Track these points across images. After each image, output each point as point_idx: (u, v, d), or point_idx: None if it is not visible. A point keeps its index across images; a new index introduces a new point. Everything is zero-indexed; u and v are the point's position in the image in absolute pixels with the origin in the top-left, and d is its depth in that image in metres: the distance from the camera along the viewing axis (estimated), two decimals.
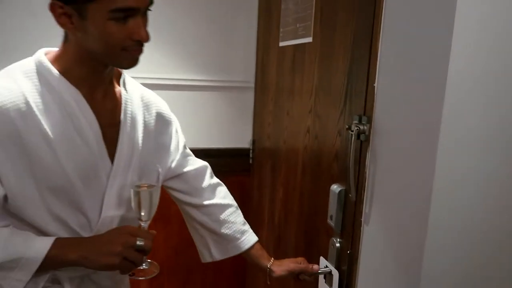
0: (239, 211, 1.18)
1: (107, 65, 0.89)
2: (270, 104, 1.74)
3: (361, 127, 1.00)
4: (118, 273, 1.06)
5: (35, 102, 0.82)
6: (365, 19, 1.03)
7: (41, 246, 0.83)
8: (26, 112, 0.81)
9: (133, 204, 0.93)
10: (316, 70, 1.32)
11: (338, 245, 1.11)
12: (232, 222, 1.14)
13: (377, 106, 0.98)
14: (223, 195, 1.18)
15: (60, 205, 0.88)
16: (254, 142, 1.96)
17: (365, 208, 1.02)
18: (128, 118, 0.94)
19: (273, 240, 1.69)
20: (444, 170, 0.79)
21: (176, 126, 1.11)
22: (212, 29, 1.88)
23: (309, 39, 1.36)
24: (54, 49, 0.89)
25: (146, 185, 0.94)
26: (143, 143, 0.98)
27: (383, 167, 0.96)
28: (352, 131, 1.00)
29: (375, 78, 0.98)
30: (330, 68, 1.23)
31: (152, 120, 1.02)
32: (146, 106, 1.01)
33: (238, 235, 1.14)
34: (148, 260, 0.95)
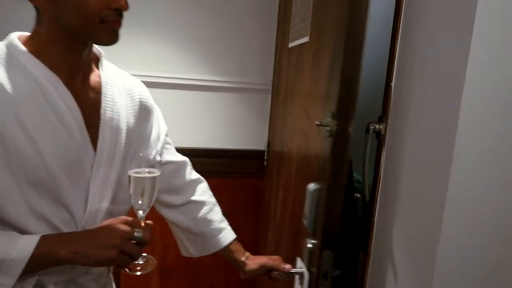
0: (218, 208, 1.14)
1: (85, 43, 0.83)
2: (280, 106, 1.73)
3: (377, 127, 0.98)
4: (104, 276, 1.00)
5: (9, 87, 0.75)
6: (354, 16, 1.00)
7: (26, 245, 0.75)
8: None
9: (132, 191, 0.84)
10: (310, 68, 1.30)
11: (310, 245, 1.08)
12: (209, 220, 1.11)
13: (393, 106, 0.96)
14: (201, 192, 1.13)
15: (42, 201, 0.80)
16: (269, 144, 1.96)
17: (378, 208, 1.00)
18: (109, 102, 0.88)
19: (274, 242, 1.67)
20: (459, 171, 0.76)
21: (157, 114, 1.05)
22: (232, 31, 1.92)
23: (306, 39, 1.35)
24: (27, 33, 0.83)
25: (146, 171, 0.86)
26: (127, 130, 0.91)
27: (397, 167, 0.94)
28: (369, 130, 0.99)
29: (392, 77, 0.96)
30: (319, 66, 1.20)
31: (136, 106, 0.96)
32: (129, 93, 0.95)
33: (216, 233, 1.11)
34: (144, 254, 0.87)
